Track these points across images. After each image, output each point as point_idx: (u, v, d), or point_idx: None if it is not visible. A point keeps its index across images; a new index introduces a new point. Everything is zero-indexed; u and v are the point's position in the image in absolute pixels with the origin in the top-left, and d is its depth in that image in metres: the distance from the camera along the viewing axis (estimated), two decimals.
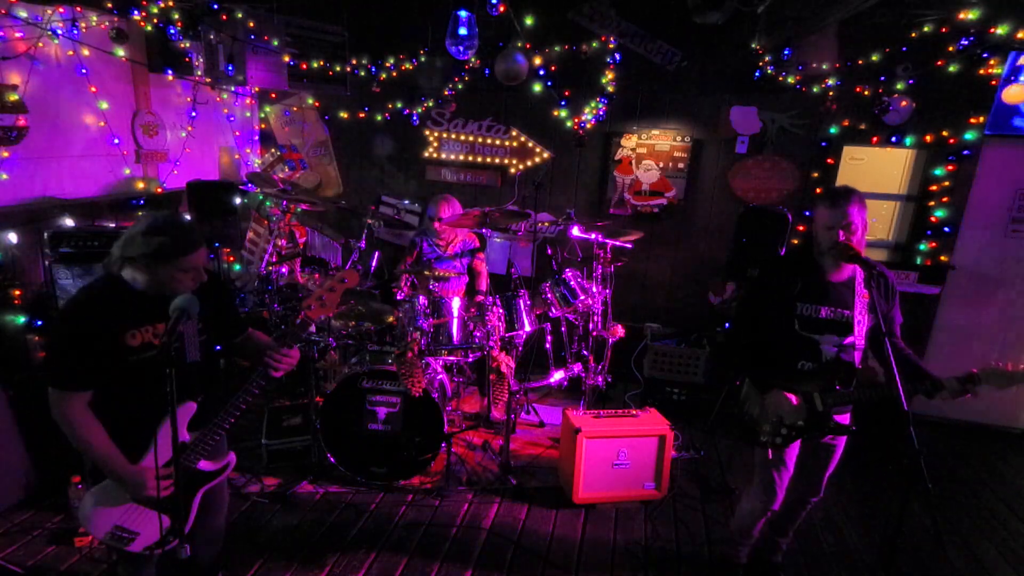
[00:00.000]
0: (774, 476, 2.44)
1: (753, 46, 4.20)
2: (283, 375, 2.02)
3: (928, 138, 4.20)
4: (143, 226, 1.80)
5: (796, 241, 4.31)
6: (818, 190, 4.35)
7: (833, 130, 4.33)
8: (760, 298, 2.43)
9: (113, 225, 3.46)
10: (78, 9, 3.33)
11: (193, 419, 1.97)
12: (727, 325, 3.59)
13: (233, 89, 4.68)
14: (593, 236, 3.87)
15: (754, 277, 2.50)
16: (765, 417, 2.34)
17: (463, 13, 4.15)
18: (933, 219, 4.31)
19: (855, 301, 2.28)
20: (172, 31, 3.75)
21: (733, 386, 2.55)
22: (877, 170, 4.69)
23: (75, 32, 3.35)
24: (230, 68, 3.77)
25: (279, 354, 1.98)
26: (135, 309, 1.84)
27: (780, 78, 4.22)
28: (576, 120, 4.63)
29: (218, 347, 2.15)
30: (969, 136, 4.12)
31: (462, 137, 4.87)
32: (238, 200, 4.06)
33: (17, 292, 3.10)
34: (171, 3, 3.65)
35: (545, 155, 4.81)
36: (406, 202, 5.10)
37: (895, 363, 2.29)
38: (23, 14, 3.07)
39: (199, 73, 3.97)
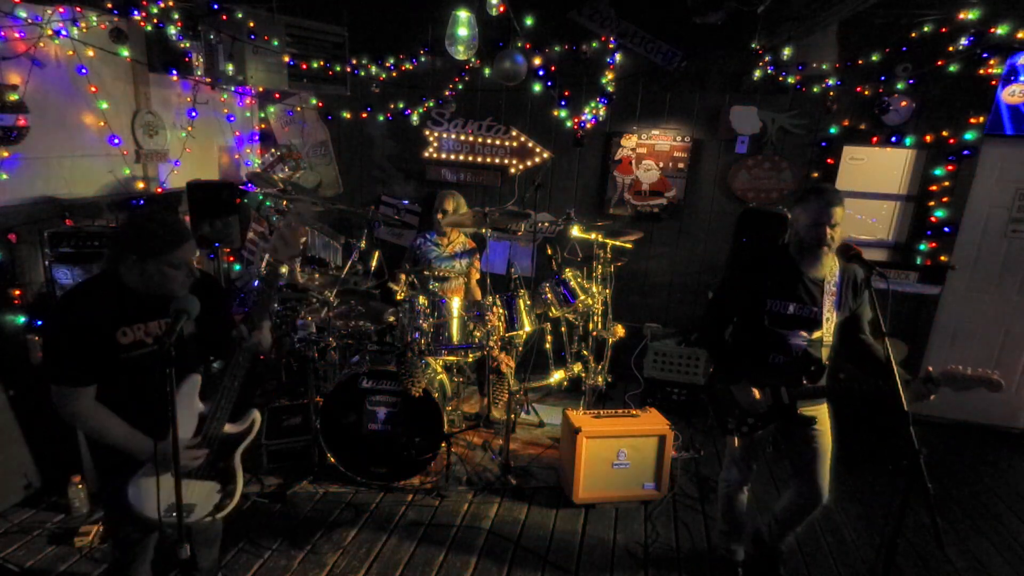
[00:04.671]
0: (744, 457, 2.61)
1: (753, 46, 4.20)
2: (264, 343, 2.04)
3: (928, 138, 4.20)
4: (131, 223, 1.81)
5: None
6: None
7: (833, 130, 4.34)
8: (731, 293, 2.51)
9: (113, 225, 3.46)
10: (78, 9, 3.33)
11: (202, 389, 1.99)
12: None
13: (233, 89, 4.68)
14: (593, 236, 3.87)
15: (727, 273, 2.59)
16: (732, 407, 2.44)
17: (463, 13, 4.15)
18: (933, 219, 4.31)
19: (823, 298, 2.33)
20: (172, 31, 3.75)
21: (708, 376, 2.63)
22: (877, 170, 4.68)
23: (75, 32, 3.35)
24: (230, 68, 3.77)
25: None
26: (127, 307, 1.84)
27: (780, 78, 4.23)
28: (576, 120, 4.63)
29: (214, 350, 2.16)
30: (969, 136, 4.12)
31: (462, 137, 4.87)
32: (238, 200, 4.06)
33: (17, 292, 3.10)
34: (171, 3, 3.65)
35: (545, 155, 4.81)
36: (406, 202, 5.10)
37: (866, 359, 2.37)
38: (23, 14, 3.08)
39: (199, 73, 3.96)
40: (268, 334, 2.08)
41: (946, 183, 4.24)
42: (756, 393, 2.36)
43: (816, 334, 2.34)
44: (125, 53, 3.65)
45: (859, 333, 2.42)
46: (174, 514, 1.88)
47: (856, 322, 2.42)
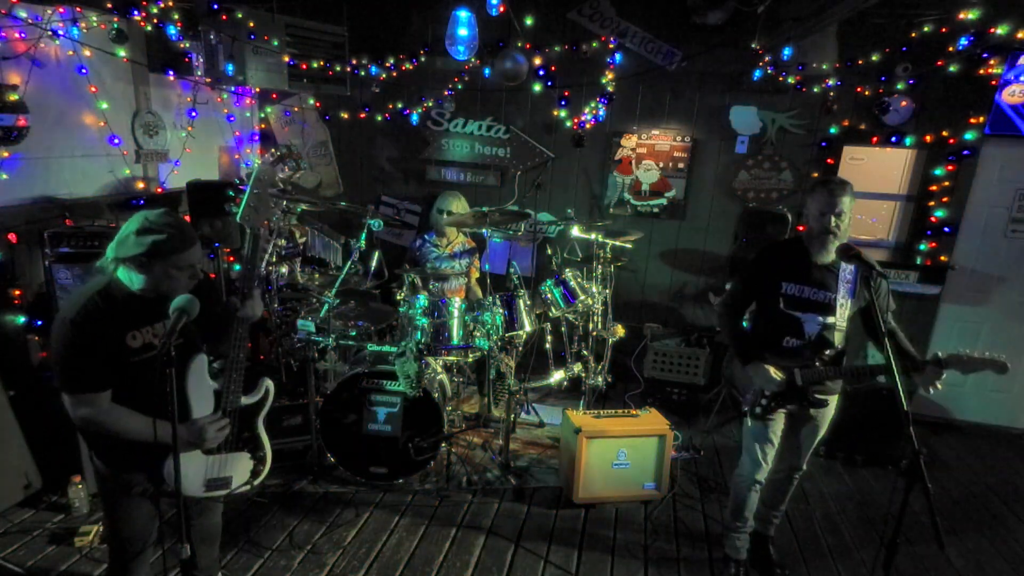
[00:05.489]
0: (758, 448, 2.61)
1: (753, 46, 4.20)
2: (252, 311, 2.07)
3: (928, 138, 4.20)
4: (136, 225, 1.79)
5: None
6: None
7: (833, 130, 4.34)
8: (752, 278, 2.64)
9: (113, 225, 3.46)
10: (78, 9, 3.32)
11: (210, 367, 2.01)
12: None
13: (233, 89, 4.68)
14: (593, 236, 3.87)
15: (750, 259, 2.68)
16: (747, 388, 2.52)
17: (463, 13, 4.15)
18: (933, 219, 4.31)
19: (838, 285, 2.43)
20: (172, 31, 3.75)
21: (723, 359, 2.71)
22: (877, 170, 4.69)
23: (75, 32, 3.35)
24: (230, 68, 3.77)
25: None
26: (134, 311, 1.84)
27: (780, 78, 4.22)
28: (576, 120, 4.63)
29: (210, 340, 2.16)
30: (969, 136, 4.12)
31: (462, 137, 4.87)
32: (238, 200, 4.06)
33: (17, 292, 3.10)
34: (171, 3, 3.65)
35: (545, 155, 4.81)
36: (406, 202, 5.10)
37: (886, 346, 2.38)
38: (23, 14, 3.07)
39: (199, 73, 3.96)
40: (259, 302, 2.10)
41: (946, 183, 4.24)
42: (771, 371, 2.44)
43: (830, 319, 2.44)
44: (125, 53, 3.65)
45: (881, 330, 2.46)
46: (213, 490, 2.03)
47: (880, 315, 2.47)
